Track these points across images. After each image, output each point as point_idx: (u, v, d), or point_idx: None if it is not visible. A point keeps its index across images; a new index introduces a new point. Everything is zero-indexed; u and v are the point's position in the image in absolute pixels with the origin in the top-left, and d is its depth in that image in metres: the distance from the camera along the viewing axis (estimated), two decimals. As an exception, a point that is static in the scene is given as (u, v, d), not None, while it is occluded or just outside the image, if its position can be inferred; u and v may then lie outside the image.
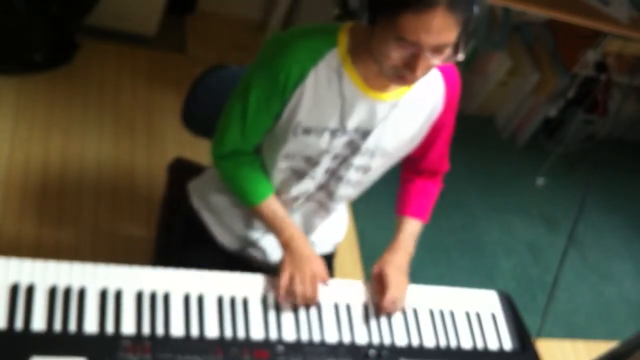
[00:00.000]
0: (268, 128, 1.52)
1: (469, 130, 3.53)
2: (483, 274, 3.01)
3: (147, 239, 2.40)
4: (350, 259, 2.77)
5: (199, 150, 2.64)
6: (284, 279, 1.50)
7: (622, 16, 2.93)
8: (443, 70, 1.50)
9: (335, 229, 1.82)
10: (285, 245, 1.55)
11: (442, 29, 1.23)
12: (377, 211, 2.73)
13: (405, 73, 1.31)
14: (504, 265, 3.09)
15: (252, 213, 1.65)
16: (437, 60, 1.29)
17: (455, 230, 3.12)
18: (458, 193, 3.27)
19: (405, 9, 1.22)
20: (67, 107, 2.72)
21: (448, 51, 1.29)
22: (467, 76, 3.45)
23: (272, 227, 1.58)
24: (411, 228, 1.68)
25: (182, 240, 1.77)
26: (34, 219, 2.37)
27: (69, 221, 2.42)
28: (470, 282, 2.87)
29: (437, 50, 1.27)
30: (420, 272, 2.80)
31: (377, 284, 1.59)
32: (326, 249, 1.82)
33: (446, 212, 3.13)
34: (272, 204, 1.58)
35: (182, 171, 1.96)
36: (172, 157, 2.06)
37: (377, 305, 1.56)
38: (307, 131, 1.47)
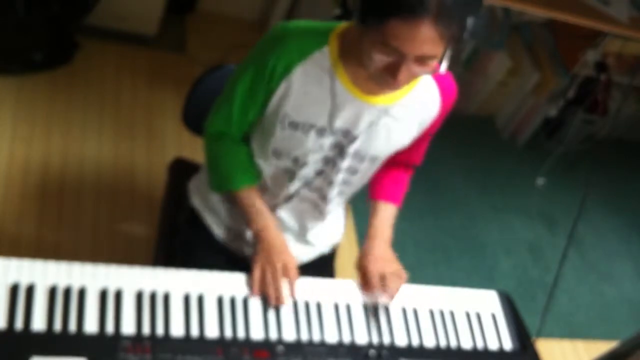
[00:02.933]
0: (255, 118, 1.54)
1: (469, 130, 3.53)
2: (483, 274, 3.00)
3: (147, 239, 2.40)
4: (350, 259, 2.76)
5: (199, 150, 2.63)
6: (256, 273, 1.50)
7: (622, 16, 2.93)
8: (439, 80, 1.52)
9: (331, 229, 1.81)
10: (257, 234, 1.56)
11: (426, 40, 1.24)
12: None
13: (387, 78, 1.32)
14: (504, 265, 3.09)
15: (227, 199, 1.66)
16: (420, 71, 1.31)
17: (455, 230, 3.11)
18: (458, 193, 3.27)
19: (393, 15, 1.23)
20: (67, 107, 2.72)
21: (433, 63, 1.30)
22: (467, 76, 3.45)
23: (246, 215, 1.59)
24: (386, 212, 1.70)
25: (186, 241, 1.77)
26: (34, 219, 2.37)
27: (69, 221, 2.42)
28: (470, 282, 2.87)
29: (421, 60, 1.28)
30: (420, 272, 2.79)
31: (361, 280, 1.59)
32: (323, 249, 1.82)
33: (446, 212, 3.13)
34: (252, 195, 1.59)
35: (183, 171, 1.96)
36: (172, 157, 2.07)
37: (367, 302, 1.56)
38: (294, 126, 1.48)
